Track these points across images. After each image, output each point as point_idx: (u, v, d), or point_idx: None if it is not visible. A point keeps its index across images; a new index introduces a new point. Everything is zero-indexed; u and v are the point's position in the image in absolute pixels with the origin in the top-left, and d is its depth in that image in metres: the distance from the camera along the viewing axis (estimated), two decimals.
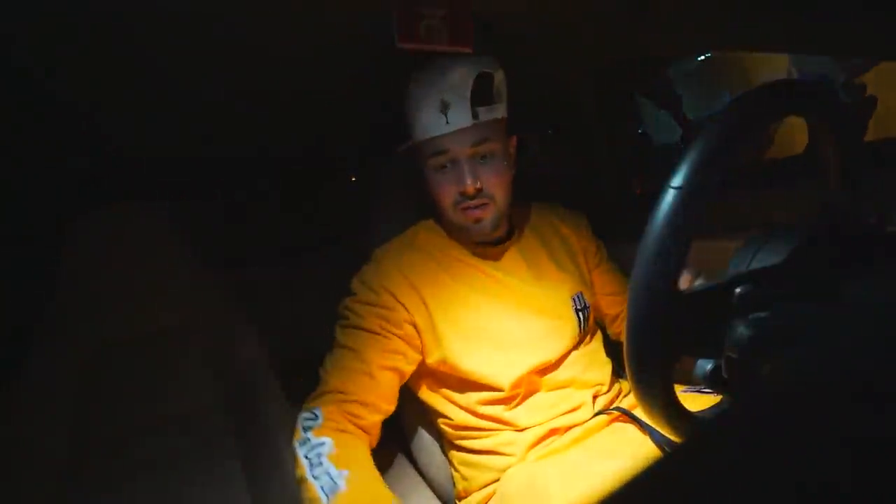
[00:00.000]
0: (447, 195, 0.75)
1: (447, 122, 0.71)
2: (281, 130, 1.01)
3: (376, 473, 0.67)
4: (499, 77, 0.74)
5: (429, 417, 0.87)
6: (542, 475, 0.73)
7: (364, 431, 0.72)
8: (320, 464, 0.64)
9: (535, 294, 0.82)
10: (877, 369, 0.14)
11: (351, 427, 0.70)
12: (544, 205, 0.95)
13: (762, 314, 0.43)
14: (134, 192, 1.03)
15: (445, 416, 0.81)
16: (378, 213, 0.97)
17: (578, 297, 0.86)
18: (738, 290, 0.44)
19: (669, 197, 0.40)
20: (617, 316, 0.95)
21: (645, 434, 0.75)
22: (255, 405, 0.87)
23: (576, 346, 0.84)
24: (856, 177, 0.49)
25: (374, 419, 0.73)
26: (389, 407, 0.75)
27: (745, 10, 0.68)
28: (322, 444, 0.66)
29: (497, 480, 0.77)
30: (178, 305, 0.97)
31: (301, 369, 0.87)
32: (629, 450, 0.77)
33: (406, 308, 0.76)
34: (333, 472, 0.63)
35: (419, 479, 0.88)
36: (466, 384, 0.78)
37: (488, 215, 0.77)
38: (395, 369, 0.75)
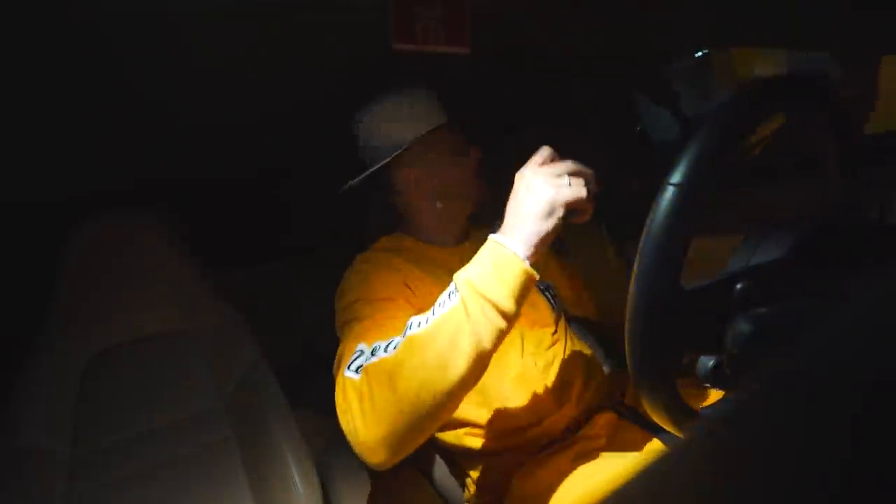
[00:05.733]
0: (455, 175, 0.83)
1: (446, 115, 0.83)
2: (280, 133, 1.01)
3: None
4: None
5: None
6: (550, 474, 0.73)
7: None
8: (410, 325, 0.56)
9: None
10: (879, 364, 0.14)
11: None
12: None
13: (763, 310, 0.43)
14: (132, 195, 1.03)
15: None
16: (377, 214, 0.97)
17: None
18: (738, 286, 0.44)
19: (669, 194, 0.40)
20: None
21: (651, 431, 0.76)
22: (257, 407, 0.87)
23: (556, 331, 0.84)
24: (855, 171, 0.49)
25: None
26: None
27: (743, 6, 0.68)
28: (393, 339, 0.57)
29: (504, 481, 0.78)
30: (178, 308, 0.97)
31: (302, 370, 0.87)
32: (638, 446, 0.77)
33: (410, 286, 0.74)
34: (424, 315, 0.55)
35: (426, 483, 0.88)
36: None
37: (484, 194, 0.86)
38: None
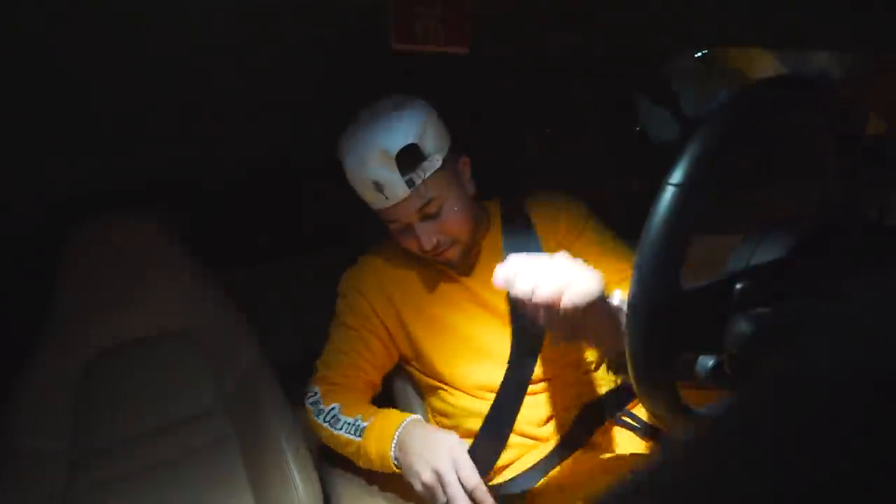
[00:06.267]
0: (412, 248, 0.78)
1: (386, 199, 0.71)
2: (279, 133, 1.01)
3: (383, 410, 0.77)
4: (425, 132, 0.70)
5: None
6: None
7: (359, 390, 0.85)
8: (338, 420, 0.76)
9: (501, 299, 0.80)
10: (879, 363, 0.14)
11: (350, 384, 0.83)
12: (516, 201, 0.89)
13: (763, 310, 0.43)
14: (132, 195, 1.03)
15: (441, 414, 0.84)
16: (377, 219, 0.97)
17: None
18: (738, 285, 0.44)
19: (668, 194, 0.40)
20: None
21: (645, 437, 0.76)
22: (257, 407, 0.87)
23: (564, 352, 0.82)
24: (855, 171, 0.49)
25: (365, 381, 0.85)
26: (376, 382, 0.87)
27: (743, 6, 0.68)
28: (333, 408, 0.78)
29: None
30: (178, 308, 0.97)
31: (302, 370, 0.88)
32: (632, 446, 0.77)
33: (377, 312, 0.83)
34: (350, 420, 0.76)
35: None
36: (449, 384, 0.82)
37: (455, 254, 0.78)
38: (374, 360, 0.84)
